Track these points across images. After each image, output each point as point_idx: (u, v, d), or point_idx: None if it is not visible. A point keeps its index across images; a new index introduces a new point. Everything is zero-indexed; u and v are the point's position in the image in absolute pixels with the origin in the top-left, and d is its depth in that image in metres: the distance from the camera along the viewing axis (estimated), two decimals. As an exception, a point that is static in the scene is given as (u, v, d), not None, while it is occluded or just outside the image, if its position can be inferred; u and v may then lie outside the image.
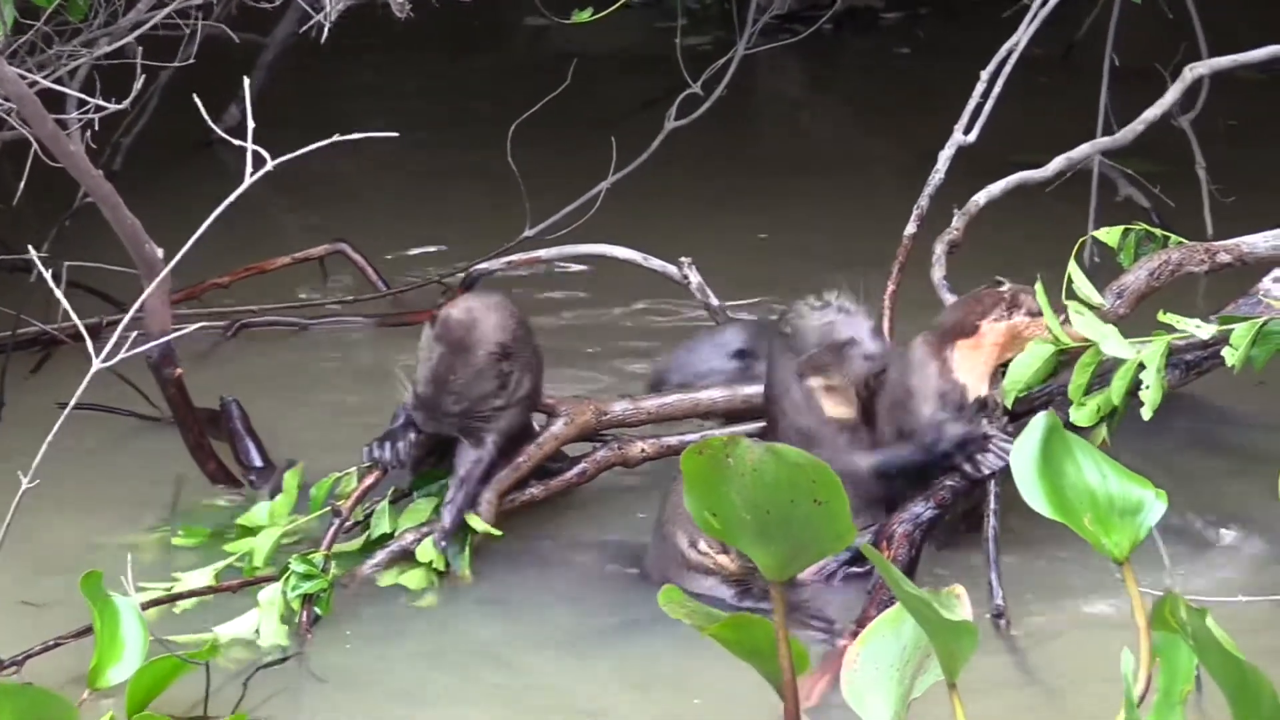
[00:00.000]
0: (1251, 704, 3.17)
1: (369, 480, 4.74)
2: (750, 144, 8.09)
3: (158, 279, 4.55)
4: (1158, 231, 5.05)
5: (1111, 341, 4.54)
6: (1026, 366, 4.62)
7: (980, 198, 5.02)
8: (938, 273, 4.93)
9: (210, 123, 4.34)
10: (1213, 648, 3.17)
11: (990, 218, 5.02)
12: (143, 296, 4.38)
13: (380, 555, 4.71)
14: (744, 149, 7.94)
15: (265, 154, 3.94)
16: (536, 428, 4.89)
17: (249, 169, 3.96)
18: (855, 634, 4.30)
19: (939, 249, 4.95)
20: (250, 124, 3.99)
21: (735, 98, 7.20)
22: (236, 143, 4.05)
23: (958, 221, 5.00)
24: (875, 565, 3.80)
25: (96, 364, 3.97)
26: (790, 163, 7.81)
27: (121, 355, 4.04)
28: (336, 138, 4.12)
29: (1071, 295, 4.67)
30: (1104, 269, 4.93)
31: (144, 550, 4.80)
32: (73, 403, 4.06)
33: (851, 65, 9.17)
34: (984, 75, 5.19)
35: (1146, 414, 4.51)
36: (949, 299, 4.87)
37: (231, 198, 3.95)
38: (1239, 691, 3.19)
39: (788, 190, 7.42)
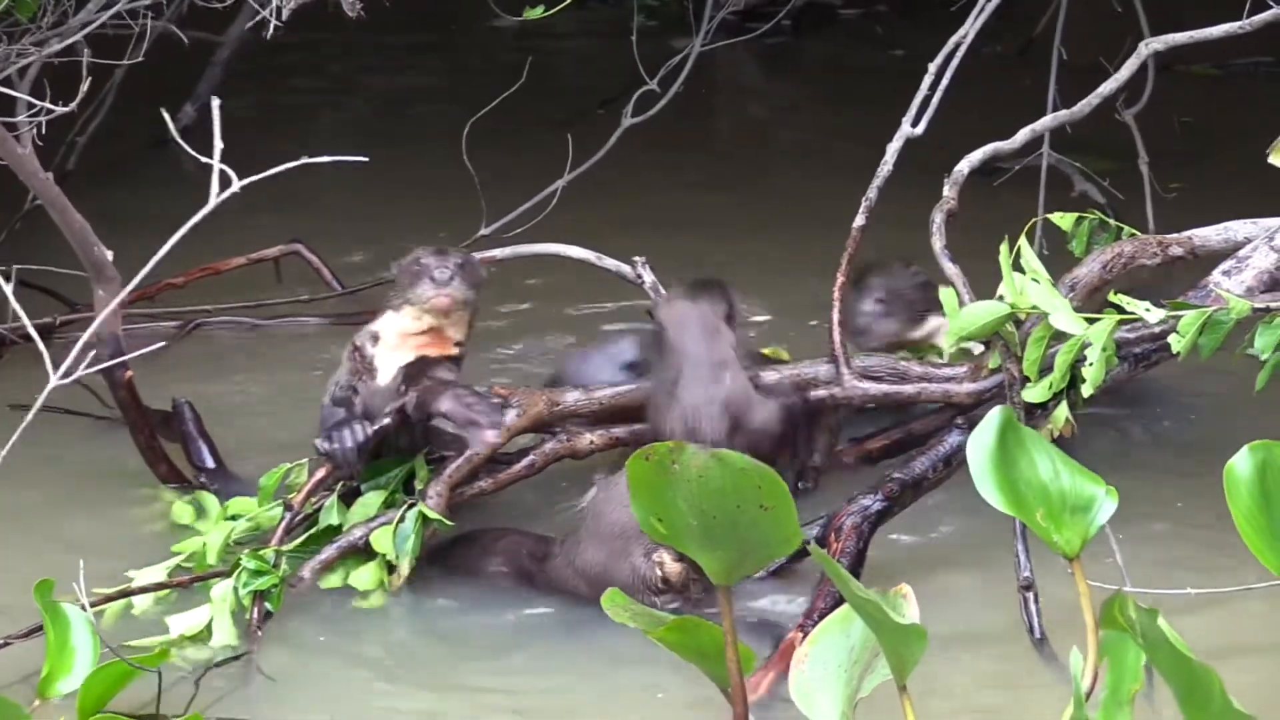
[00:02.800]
0: (1202, 703, 3.16)
1: (320, 474, 4.74)
2: (708, 141, 8.09)
3: (122, 295, 4.50)
4: (1112, 222, 5.07)
5: (1061, 315, 4.52)
6: (975, 318, 4.59)
7: (963, 166, 5.05)
8: (938, 242, 4.92)
9: (172, 129, 4.30)
10: (1163, 647, 3.17)
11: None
12: (104, 312, 4.34)
13: (329, 550, 4.70)
14: (702, 146, 7.94)
15: (232, 174, 3.89)
16: None
17: (215, 188, 3.90)
18: (802, 626, 4.32)
19: (938, 218, 4.95)
20: (219, 144, 3.91)
21: (694, 95, 7.19)
22: (205, 160, 3.96)
23: (949, 191, 5.01)
24: (824, 567, 3.79)
25: (54, 380, 3.93)
26: (747, 158, 7.81)
27: (82, 371, 4.00)
28: (305, 160, 4.07)
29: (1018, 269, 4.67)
30: (1053, 260, 4.92)
31: (96, 550, 4.77)
32: (34, 409, 4.02)
33: (809, 62, 9.18)
34: (931, 68, 5.20)
35: (1087, 391, 4.52)
36: (950, 268, 4.85)
37: (196, 218, 3.88)
38: (1190, 690, 3.18)
39: (744, 186, 7.42)
